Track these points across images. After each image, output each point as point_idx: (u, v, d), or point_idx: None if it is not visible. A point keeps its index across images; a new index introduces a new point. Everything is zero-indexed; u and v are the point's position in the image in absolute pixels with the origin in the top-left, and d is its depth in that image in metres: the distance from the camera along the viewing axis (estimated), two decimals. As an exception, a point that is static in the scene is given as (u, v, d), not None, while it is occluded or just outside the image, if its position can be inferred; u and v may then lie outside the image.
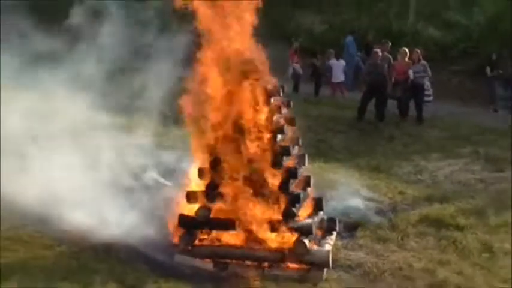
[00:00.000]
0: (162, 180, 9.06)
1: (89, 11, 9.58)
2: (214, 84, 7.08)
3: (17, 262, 6.53)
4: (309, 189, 7.59)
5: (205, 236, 7.18)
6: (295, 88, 16.27)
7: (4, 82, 8.99)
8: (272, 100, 7.28)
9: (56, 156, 8.45)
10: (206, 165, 7.16)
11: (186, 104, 7.15)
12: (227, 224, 7.04)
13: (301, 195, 7.25)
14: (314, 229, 7.10)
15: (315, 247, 7.01)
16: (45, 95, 9.31)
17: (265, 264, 6.87)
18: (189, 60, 7.42)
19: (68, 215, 7.39)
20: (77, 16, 9.64)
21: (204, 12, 7.07)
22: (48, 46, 9.54)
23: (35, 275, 6.13)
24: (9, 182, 7.77)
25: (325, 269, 6.77)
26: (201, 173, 7.16)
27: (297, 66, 16.76)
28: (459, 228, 8.11)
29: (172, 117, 9.70)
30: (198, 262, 6.91)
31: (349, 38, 17.42)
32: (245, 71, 7.07)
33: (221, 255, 6.99)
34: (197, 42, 7.20)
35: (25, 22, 9.88)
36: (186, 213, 7.09)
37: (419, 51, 14.60)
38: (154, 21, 9.85)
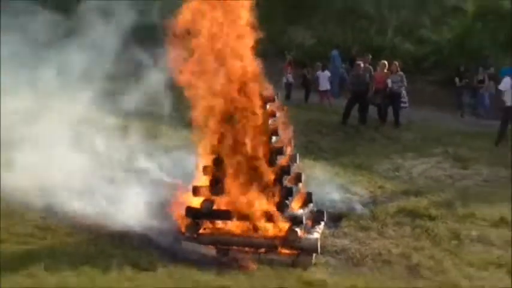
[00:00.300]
0: (170, 177, 9.02)
1: (96, 14, 9.27)
2: (218, 92, 7.08)
3: (44, 247, 6.55)
4: (300, 184, 7.60)
5: (209, 225, 7.18)
6: (288, 95, 16.27)
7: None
8: (268, 106, 7.30)
9: (76, 157, 8.45)
10: (210, 163, 7.17)
11: (193, 108, 7.17)
12: (228, 215, 7.05)
13: (293, 190, 7.25)
14: (304, 219, 7.10)
15: (305, 235, 7.00)
16: (60, 99, 9.25)
17: (262, 250, 6.87)
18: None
19: (88, 207, 7.40)
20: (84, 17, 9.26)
21: (208, 29, 7.07)
22: (58, 47, 9.17)
23: (60, 259, 6.13)
24: (38, 180, 7.75)
25: (314, 254, 6.78)
26: (205, 170, 7.18)
27: (290, 76, 16.77)
28: (431, 218, 8.12)
29: (180, 119, 9.67)
30: (202, 248, 6.90)
31: (335, 52, 17.44)
32: (245, 81, 7.08)
33: (223, 242, 6.98)
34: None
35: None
36: (192, 205, 7.09)
37: (396, 63, 14.62)
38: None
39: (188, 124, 7.72)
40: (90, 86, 9.28)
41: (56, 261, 6.01)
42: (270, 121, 7.21)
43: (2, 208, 7.28)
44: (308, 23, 18.79)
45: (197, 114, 7.15)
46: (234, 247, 6.92)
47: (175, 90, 7.65)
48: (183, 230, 7.07)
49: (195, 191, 7.15)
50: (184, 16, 6.97)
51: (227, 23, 7.04)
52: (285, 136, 7.51)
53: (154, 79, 9.02)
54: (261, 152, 7.03)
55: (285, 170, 7.24)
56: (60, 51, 9.18)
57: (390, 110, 14.38)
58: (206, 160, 7.24)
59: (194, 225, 7.01)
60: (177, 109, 9.02)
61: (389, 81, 14.14)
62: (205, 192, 7.09)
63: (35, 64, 9.05)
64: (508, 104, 12.84)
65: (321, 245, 6.93)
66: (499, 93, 13.61)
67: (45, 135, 8.62)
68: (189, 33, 6.99)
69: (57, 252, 6.38)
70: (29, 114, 8.80)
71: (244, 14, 7.02)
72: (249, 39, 7.08)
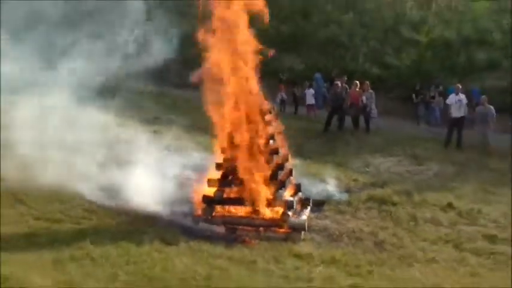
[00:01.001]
0: (190, 172, 8.97)
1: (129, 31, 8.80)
2: (228, 105, 7.11)
3: (91, 227, 6.60)
4: (291, 178, 7.63)
5: (220, 210, 7.20)
6: (282, 109, 16.23)
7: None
8: (266, 117, 7.34)
9: (116, 157, 8.44)
10: (221, 161, 7.21)
11: (210, 118, 7.20)
12: (235, 202, 7.08)
13: (286, 182, 7.31)
14: (295, 205, 7.14)
15: (295, 217, 7.04)
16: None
17: (261, 229, 6.90)
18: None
19: (127, 195, 7.38)
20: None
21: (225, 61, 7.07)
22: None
23: (103, 235, 6.18)
24: (87, 174, 7.82)
25: (302, 232, 6.81)
26: (218, 166, 7.21)
27: (283, 94, 16.72)
28: (394, 204, 8.11)
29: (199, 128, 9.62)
30: (215, 228, 6.94)
31: (318, 75, 17.34)
32: (249, 97, 7.12)
33: (231, 223, 7.01)
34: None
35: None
36: (207, 194, 7.12)
37: (367, 83, 14.64)
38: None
39: (204, 131, 7.72)
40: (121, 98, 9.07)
41: (100, 237, 6.04)
42: (268, 129, 7.25)
43: (61, 195, 7.29)
44: (297, 51, 18.76)
45: (213, 123, 7.20)
46: (240, 227, 6.94)
47: (196, 105, 7.64)
48: (199, 213, 7.09)
49: (209, 182, 7.18)
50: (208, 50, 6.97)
51: (239, 55, 7.07)
52: (280, 140, 7.54)
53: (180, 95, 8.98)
54: (261, 152, 7.06)
55: (279, 167, 7.29)
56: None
57: (362, 119, 14.36)
58: (218, 159, 7.28)
59: (208, 210, 7.04)
60: (197, 119, 8.98)
61: (364, 97, 14.14)
62: (217, 184, 7.12)
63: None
64: (453, 115, 12.88)
65: (307, 225, 6.95)
66: (446, 107, 13.62)
67: (90, 140, 8.63)
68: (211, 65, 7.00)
69: (101, 230, 6.42)
70: (75, 123, 8.67)
71: (251, 47, 7.06)
72: (253, 66, 7.13)
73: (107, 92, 8.91)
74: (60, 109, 8.39)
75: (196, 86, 6.99)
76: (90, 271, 5.09)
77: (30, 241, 5.83)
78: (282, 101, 16.58)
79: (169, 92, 14.45)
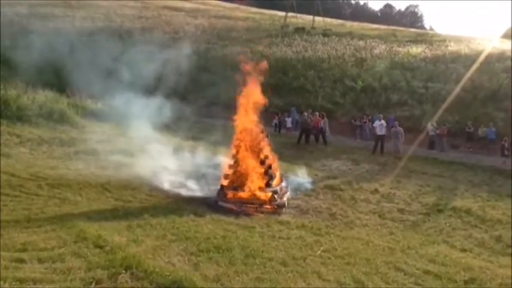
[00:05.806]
0: (214, 170, 8.84)
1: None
2: (238, 128, 7.11)
3: (151, 205, 6.45)
4: (277, 173, 7.56)
5: (232, 194, 7.13)
6: (275, 130, 16.07)
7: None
8: (260, 135, 7.32)
9: (166, 157, 8.31)
10: (232, 163, 7.16)
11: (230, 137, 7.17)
12: (242, 188, 6.98)
13: (273, 176, 7.22)
14: (279, 190, 7.07)
15: (279, 198, 6.96)
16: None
17: (258, 206, 6.77)
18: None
19: (174, 185, 7.30)
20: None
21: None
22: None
23: (158, 210, 6.03)
24: (150, 171, 7.68)
25: (283, 208, 6.74)
26: (230, 166, 7.15)
27: (276, 120, 16.56)
28: (341, 189, 8.06)
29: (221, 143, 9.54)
30: (228, 205, 6.80)
31: (293, 108, 17.36)
32: (251, 123, 7.11)
33: (239, 202, 6.87)
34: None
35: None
36: (223, 184, 7.04)
37: (323, 114, 14.74)
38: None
39: (225, 145, 7.65)
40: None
41: (156, 212, 5.89)
42: (262, 142, 7.23)
43: (132, 184, 7.12)
44: (280, 94, 18.79)
45: (230, 140, 7.18)
46: (244, 205, 6.82)
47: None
48: (219, 196, 6.99)
49: (225, 177, 7.12)
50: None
51: (251, 95, 7.09)
52: (270, 149, 7.51)
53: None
54: (258, 157, 7.03)
55: (269, 166, 7.22)
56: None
57: (320, 136, 14.32)
58: (230, 161, 7.23)
59: (224, 194, 6.96)
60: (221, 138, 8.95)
61: (321, 122, 14.22)
62: (230, 177, 7.05)
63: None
64: (377, 133, 12.97)
65: (287, 203, 6.90)
66: (373, 128, 13.69)
67: (152, 150, 8.54)
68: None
69: (157, 207, 6.30)
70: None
71: (256, 92, 7.09)
72: (255, 104, 7.15)
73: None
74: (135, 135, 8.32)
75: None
76: (149, 233, 5.00)
77: (111, 214, 5.74)
78: (276, 124, 16.55)
79: (202, 120, 14.43)
